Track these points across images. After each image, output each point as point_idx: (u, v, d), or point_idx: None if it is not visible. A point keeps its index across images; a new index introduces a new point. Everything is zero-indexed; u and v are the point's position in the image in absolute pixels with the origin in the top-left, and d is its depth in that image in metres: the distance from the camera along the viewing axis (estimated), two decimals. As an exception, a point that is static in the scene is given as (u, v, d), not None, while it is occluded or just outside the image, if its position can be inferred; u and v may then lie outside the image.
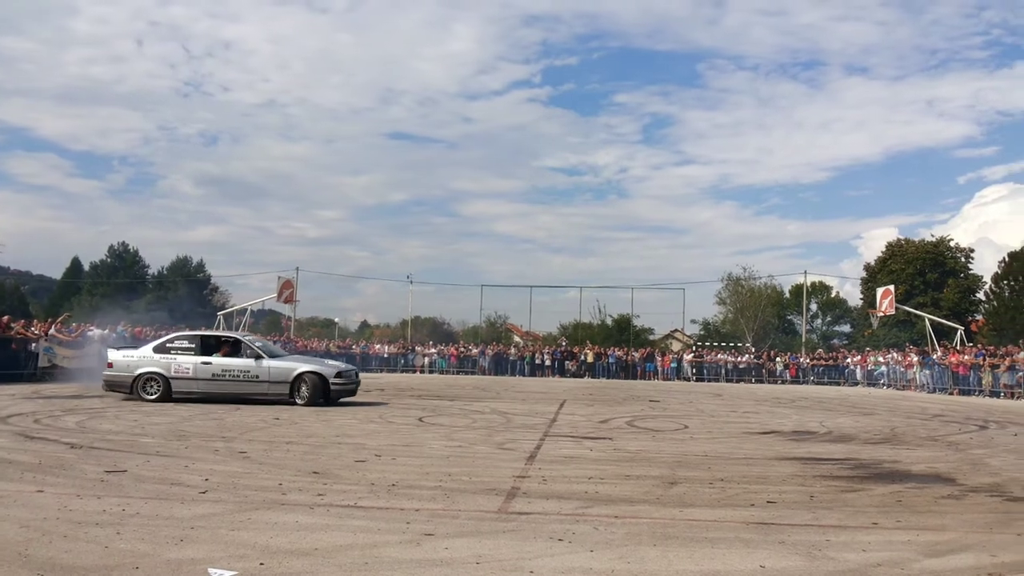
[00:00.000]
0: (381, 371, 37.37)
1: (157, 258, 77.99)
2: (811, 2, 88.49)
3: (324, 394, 14.22)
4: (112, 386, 14.41)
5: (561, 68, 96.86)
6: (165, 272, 63.79)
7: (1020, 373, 23.88)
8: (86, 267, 64.12)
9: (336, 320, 66.83)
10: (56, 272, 67.49)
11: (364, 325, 76.18)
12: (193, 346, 14.64)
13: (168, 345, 14.59)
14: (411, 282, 50.76)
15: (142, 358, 14.37)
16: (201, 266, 64.19)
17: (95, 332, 23.28)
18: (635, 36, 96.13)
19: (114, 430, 9.49)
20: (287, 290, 41.15)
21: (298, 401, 14.01)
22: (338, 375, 14.66)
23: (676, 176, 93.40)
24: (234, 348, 14.72)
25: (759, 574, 3.85)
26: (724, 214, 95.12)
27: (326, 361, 16.78)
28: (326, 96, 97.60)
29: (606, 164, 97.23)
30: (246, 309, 39.41)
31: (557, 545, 4.33)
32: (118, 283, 60.02)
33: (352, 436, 9.49)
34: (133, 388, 14.08)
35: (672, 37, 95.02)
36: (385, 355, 40.26)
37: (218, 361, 14.42)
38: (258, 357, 14.49)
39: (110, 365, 14.48)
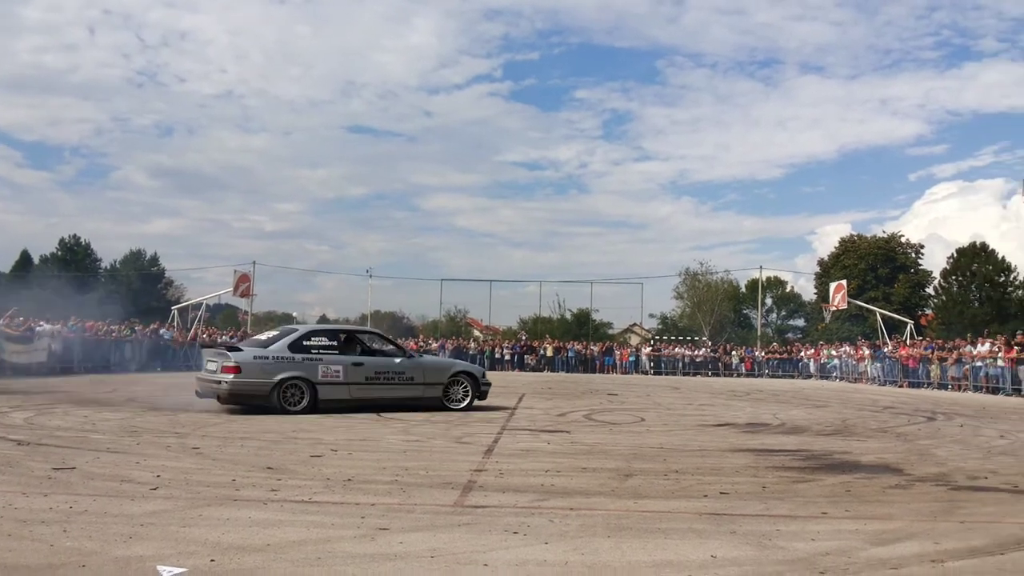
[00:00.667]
0: (339, 366, 37.13)
1: (110, 251, 76.37)
2: (769, 1, 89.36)
3: (476, 396, 13.01)
4: (238, 396, 11.42)
5: (522, 63, 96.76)
6: (118, 266, 62.44)
7: (967, 366, 24.50)
8: (36, 260, 62.51)
9: (294, 314, 66.05)
10: (4, 265, 65.66)
11: (323, 319, 75.51)
12: (335, 343, 12.34)
13: (306, 343, 12.04)
14: (371, 276, 50.46)
15: (280, 360, 11.69)
16: (155, 259, 62.92)
17: (44, 327, 22.72)
18: (595, 32, 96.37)
19: (63, 426, 9.29)
20: (243, 284, 40.56)
21: (452, 406, 12.63)
22: (483, 375, 13.57)
23: (635, 171, 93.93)
24: (353, 343, 12.66)
25: (710, 564, 3.91)
26: (682, 210, 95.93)
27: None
28: (285, 88, 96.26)
29: (567, 159, 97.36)
30: (201, 303, 38.71)
31: (512, 538, 4.34)
32: (69, 277, 58.63)
33: (308, 431, 9.40)
34: (272, 397, 11.43)
35: (632, 34, 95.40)
36: (344, 350, 40.01)
37: (371, 361, 12.44)
38: (408, 355, 13.10)
39: (235, 369, 11.26)
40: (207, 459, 7.02)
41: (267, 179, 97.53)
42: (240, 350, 11.91)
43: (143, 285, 60.53)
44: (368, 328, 16.12)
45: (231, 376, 11.24)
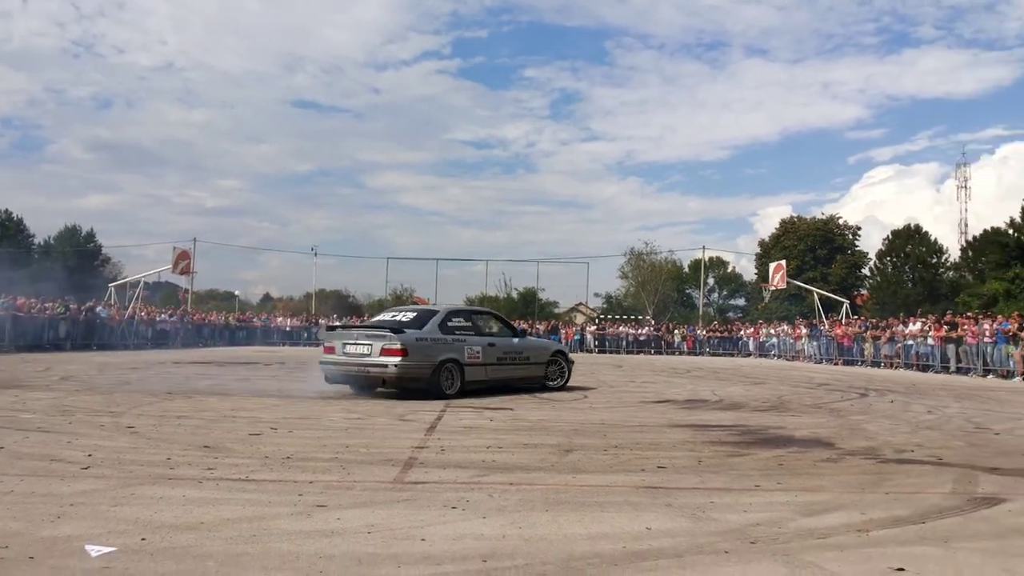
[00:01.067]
0: (283, 345, 36.65)
1: (44, 227, 73.75)
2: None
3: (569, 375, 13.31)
4: (404, 380, 10.94)
5: (471, 40, 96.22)
6: (52, 242, 60.52)
7: (899, 344, 25.29)
8: (-36, 235, 60.19)
9: (236, 293, 64.98)
10: (-69, 240, 63.15)
11: (266, 298, 74.41)
12: (469, 324, 12.20)
13: (450, 324, 11.77)
14: (316, 254, 49.91)
15: (436, 341, 11.32)
16: (91, 236, 61.17)
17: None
18: (545, 11, 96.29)
19: (-9, 406, 9.01)
20: (183, 261, 39.75)
21: (551, 384, 12.85)
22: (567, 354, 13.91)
23: (583, 152, 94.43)
24: (477, 323, 12.62)
25: (645, 536, 3.97)
26: (628, 190, 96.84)
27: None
28: (227, 61, 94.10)
29: (515, 138, 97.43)
30: (139, 281, 37.87)
31: (451, 513, 4.36)
32: (0, 252, 56.69)
33: (248, 410, 9.28)
34: (435, 379, 11.07)
35: (581, 13, 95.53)
36: (288, 329, 39.54)
37: (500, 342, 12.38)
38: (519, 334, 13.16)
39: (403, 352, 10.72)
40: (142, 438, 6.88)
41: (209, 154, 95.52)
42: (400, 332, 11.05)
43: (79, 262, 58.76)
44: (486, 309, 16.10)
45: (398, 359, 10.70)
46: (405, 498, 4.71)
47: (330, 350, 11.51)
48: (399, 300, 56.56)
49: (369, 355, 10.86)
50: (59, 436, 6.82)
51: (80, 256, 59.38)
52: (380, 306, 53.05)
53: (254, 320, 41.13)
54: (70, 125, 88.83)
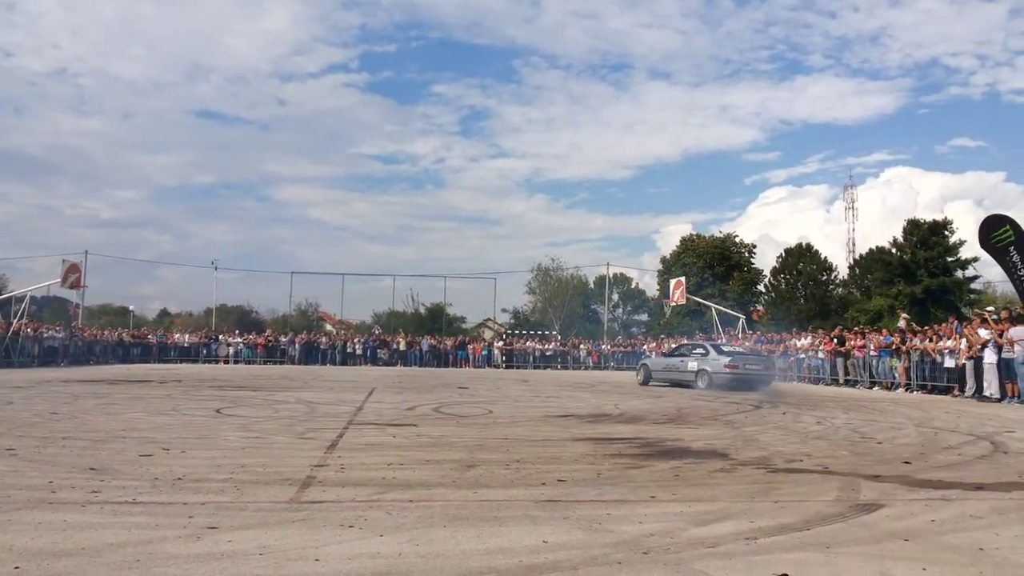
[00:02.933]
0: (181, 362, 35.40)
1: (-81, 237, 69.36)
2: (621, 8, 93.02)
3: None
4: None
5: (380, 55, 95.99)
6: (-72, 253, 56.90)
7: (792, 358, 26.33)
8: None
9: (131, 308, 62.46)
10: None
11: (164, 313, 71.76)
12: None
13: None
14: (216, 268, 48.50)
15: None
16: (-28, 247, 57.79)
17: None
18: (454, 28, 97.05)
19: None
20: (73, 275, 37.83)
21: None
22: None
23: (492, 168, 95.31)
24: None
25: (541, 549, 4.01)
26: (536, 206, 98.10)
27: None
28: (125, 68, 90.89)
29: (424, 154, 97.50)
30: (26, 295, 35.88)
31: (347, 532, 4.30)
32: None
33: (139, 430, 8.92)
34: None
35: (490, 32, 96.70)
36: (186, 344, 38.24)
37: None
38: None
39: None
40: (22, 461, 6.52)
41: (104, 164, 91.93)
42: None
43: (-42, 275, 55.46)
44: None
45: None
46: (301, 518, 4.61)
47: None
48: (304, 315, 55.54)
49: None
50: (-72, 461, 6.40)
51: (-40, 268, 56.02)
52: (285, 321, 51.94)
53: (149, 336, 39.59)
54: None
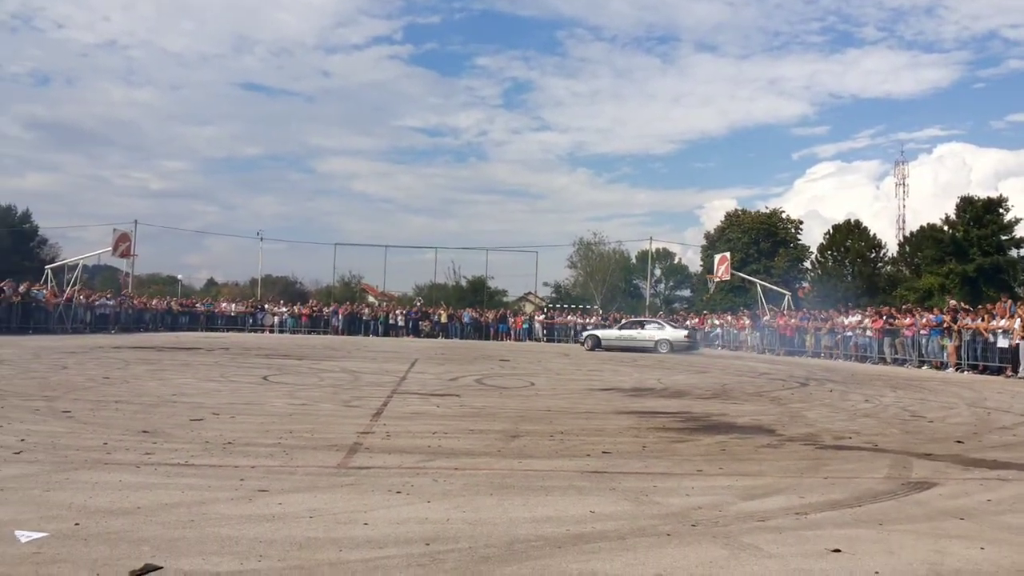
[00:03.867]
0: (228, 331, 36.04)
1: (-24, 207, 71.22)
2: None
3: None
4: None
5: (424, 26, 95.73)
6: (-15, 221, 58.41)
7: (839, 335, 25.90)
8: None
9: (180, 277, 63.67)
10: None
11: (211, 283, 73.04)
12: None
13: None
14: (262, 239, 49.01)
15: None
16: (27, 216, 59.21)
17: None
18: (497, 0, 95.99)
19: (-83, 390, 8.68)
20: (123, 244, 38.61)
21: None
22: None
23: (534, 141, 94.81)
24: None
25: (588, 518, 4.00)
26: (578, 180, 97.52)
27: None
28: (173, 41, 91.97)
29: (467, 127, 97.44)
30: (78, 263, 36.70)
31: (395, 497, 4.33)
32: (-71, 233, 54.57)
33: (189, 395, 9.10)
34: None
35: (533, 3, 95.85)
36: (232, 314, 38.84)
37: None
38: None
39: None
40: (78, 423, 6.70)
41: (153, 135, 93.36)
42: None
43: (13, 243, 56.89)
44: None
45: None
46: (348, 483, 4.66)
47: None
48: (347, 287, 56.08)
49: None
50: (-11, 420, 6.60)
51: (14, 237, 57.43)
52: (328, 292, 52.52)
53: (197, 305, 40.31)
54: (7, 102, 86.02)
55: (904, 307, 25.94)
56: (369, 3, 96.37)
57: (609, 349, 27.41)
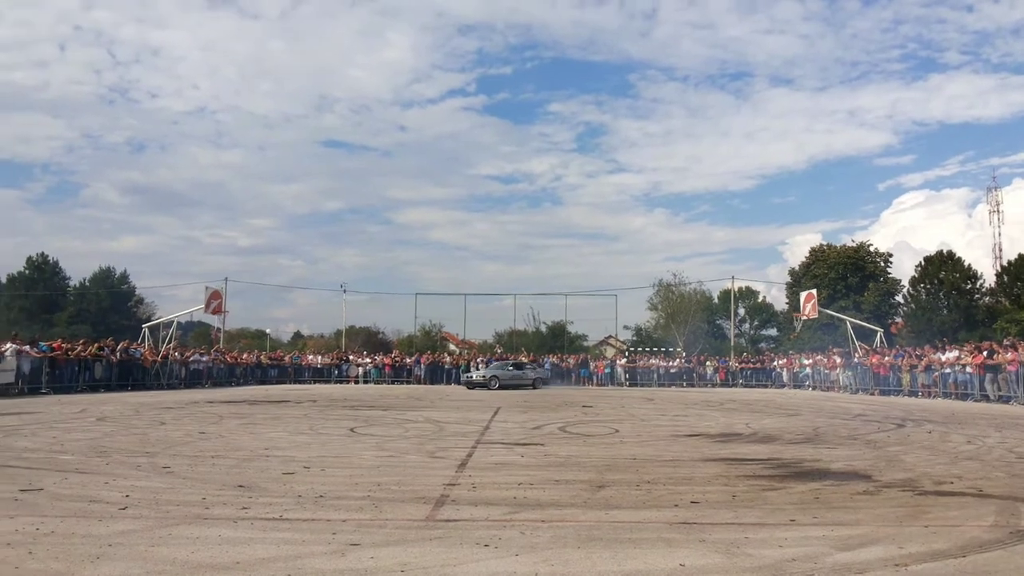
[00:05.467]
0: (314, 382, 36.87)
1: (79, 270, 75.67)
2: (739, 16, 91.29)
3: None
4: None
5: (496, 77, 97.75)
6: (87, 284, 61.65)
7: (936, 373, 24.85)
8: (2, 279, 61.55)
9: (268, 331, 65.66)
10: (-29, 285, 64.63)
11: (297, 336, 75.07)
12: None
13: None
14: (345, 291, 50.33)
15: None
16: (125, 277, 62.27)
17: (8, 347, 22.35)
18: (568, 47, 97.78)
19: (31, 447, 9.16)
20: (215, 300, 40.20)
21: None
22: None
23: (609, 184, 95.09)
24: None
25: (679, 572, 3.95)
26: (655, 221, 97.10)
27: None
28: (257, 103, 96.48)
29: (541, 172, 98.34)
30: (173, 321, 38.31)
31: (483, 551, 4.36)
32: (37, 296, 57.84)
33: (281, 449, 9.35)
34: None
35: (604, 48, 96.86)
36: (318, 366, 39.76)
37: None
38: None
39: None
40: (177, 478, 6.96)
41: (240, 195, 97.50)
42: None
43: (113, 303, 59.81)
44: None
45: None
46: (437, 536, 4.71)
47: None
48: (428, 335, 56.79)
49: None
50: (96, 477, 6.92)
51: (114, 297, 60.40)
52: (410, 342, 53.27)
53: (285, 358, 41.43)
54: (105, 169, 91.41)
55: (1006, 341, 24.73)
56: (443, 58, 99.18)
57: (503, 387, 31.70)
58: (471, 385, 32.54)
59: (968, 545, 4.51)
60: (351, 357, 40.63)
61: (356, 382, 37.43)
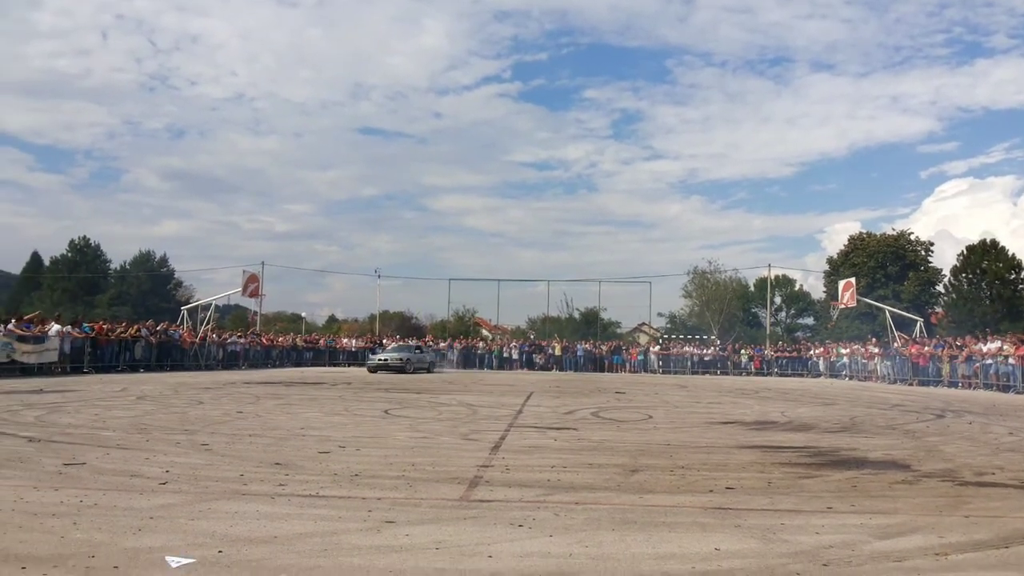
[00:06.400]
0: (349, 366, 37.22)
1: (120, 253, 77.06)
2: (778, 1, 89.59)
3: None
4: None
5: (531, 63, 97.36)
6: (127, 267, 62.77)
7: (977, 364, 24.40)
8: (46, 262, 62.89)
9: (303, 315, 66.28)
10: (16, 267, 66.27)
11: (332, 320, 75.71)
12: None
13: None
14: (379, 276, 50.60)
15: None
16: (164, 260, 63.28)
17: (54, 327, 22.86)
18: (605, 33, 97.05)
19: (74, 424, 9.37)
20: (252, 284, 40.71)
21: None
22: None
23: (645, 171, 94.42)
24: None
25: (714, 556, 3.92)
26: (692, 208, 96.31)
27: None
28: (295, 90, 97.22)
29: (576, 159, 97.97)
30: (211, 304, 38.86)
31: (517, 531, 4.37)
32: (79, 278, 59.02)
33: (317, 428, 9.46)
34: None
35: (641, 34, 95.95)
36: (352, 349, 40.16)
37: None
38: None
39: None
40: (216, 455, 7.08)
41: (278, 181, 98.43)
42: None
43: (152, 286, 60.84)
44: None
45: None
46: (472, 515, 4.73)
47: None
48: (461, 321, 56.98)
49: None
50: (137, 453, 7.06)
51: (153, 280, 61.44)
52: (443, 327, 53.51)
53: (320, 342, 41.86)
54: (146, 155, 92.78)
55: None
56: (479, 45, 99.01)
57: (406, 371, 29.80)
58: (375, 369, 29.96)
59: (1011, 536, 4.42)
60: (385, 341, 40.93)
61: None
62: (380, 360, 30.52)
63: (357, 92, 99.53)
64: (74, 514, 4.51)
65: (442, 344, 40.52)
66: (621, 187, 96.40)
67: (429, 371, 32.26)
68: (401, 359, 30.35)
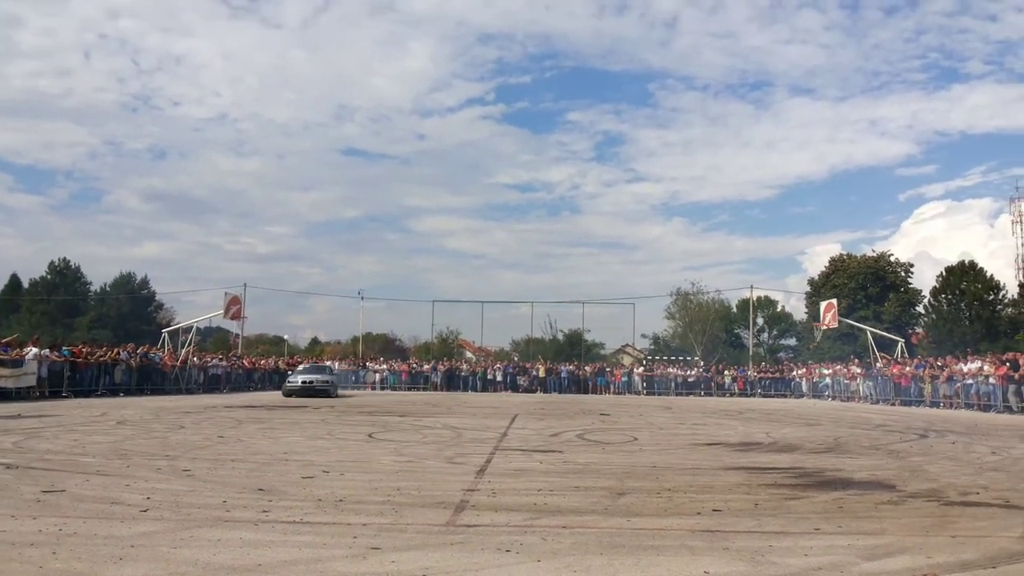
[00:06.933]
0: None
1: (100, 275, 76.43)
2: (759, 25, 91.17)
3: None
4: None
5: (515, 86, 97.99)
6: (108, 289, 62.17)
7: (958, 384, 24.58)
8: (25, 284, 62.18)
9: (286, 337, 65.93)
10: (-6, 289, 65.39)
11: (315, 342, 75.29)
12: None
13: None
14: (362, 298, 50.49)
15: None
16: (145, 282, 62.77)
17: (31, 351, 22.56)
18: (588, 56, 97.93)
19: (53, 449, 9.22)
20: (234, 307, 40.41)
21: None
22: None
23: (627, 193, 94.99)
24: None
25: (703, 580, 3.90)
26: (674, 230, 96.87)
27: None
28: (278, 112, 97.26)
29: (559, 181, 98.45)
30: (192, 326, 38.52)
31: (504, 556, 4.32)
32: (58, 300, 58.40)
33: (300, 453, 9.36)
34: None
35: (624, 58, 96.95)
36: (336, 371, 39.85)
37: None
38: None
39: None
40: (198, 481, 6.97)
41: (260, 202, 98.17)
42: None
43: (133, 308, 60.29)
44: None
45: None
46: (458, 541, 4.69)
47: None
48: (445, 343, 56.80)
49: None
50: (118, 479, 6.95)
51: (134, 302, 60.89)
52: (427, 349, 53.32)
53: (302, 364, 41.57)
54: (127, 176, 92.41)
55: (1029, 352, 24.41)
56: (462, 67, 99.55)
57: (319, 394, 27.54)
58: (291, 393, 26.76)
59: (998, 556, 4.43)
60: (368, 364, 40.72)
61: (373, 388, 37.52)
62: (303, 382, 27.55)
63: (341, 114, 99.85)
64: (53, 543, 4.42)
65: (426, 366, 40.32)
66: (604, 209, 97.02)
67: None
68: (326, 381, 28.38)
